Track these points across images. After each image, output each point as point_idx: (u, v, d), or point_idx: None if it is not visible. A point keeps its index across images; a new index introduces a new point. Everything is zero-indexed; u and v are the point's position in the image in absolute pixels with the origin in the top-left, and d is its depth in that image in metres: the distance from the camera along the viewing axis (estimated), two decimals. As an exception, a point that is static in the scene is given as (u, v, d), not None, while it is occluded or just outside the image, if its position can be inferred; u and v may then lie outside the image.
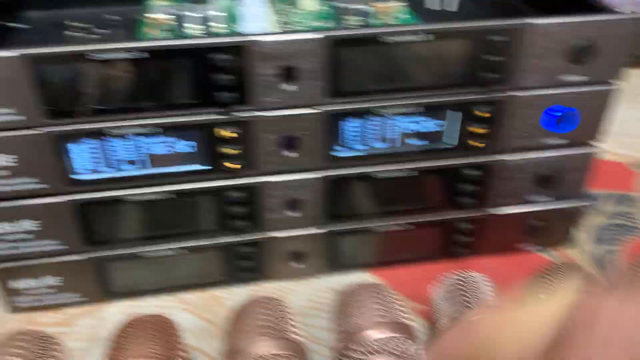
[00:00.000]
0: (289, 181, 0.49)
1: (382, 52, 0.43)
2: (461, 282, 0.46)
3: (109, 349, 0.42)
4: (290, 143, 0.47)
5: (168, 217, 0.49)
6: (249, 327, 0.42)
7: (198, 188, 0.48)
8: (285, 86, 0.44)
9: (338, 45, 0.42)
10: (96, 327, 0.50)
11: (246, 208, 0.50)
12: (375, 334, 0.41)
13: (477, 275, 0.47)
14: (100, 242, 0.49)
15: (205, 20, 0.50)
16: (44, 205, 0.46)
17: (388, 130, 0.48)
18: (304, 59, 0.43)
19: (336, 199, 0.51)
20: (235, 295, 0.54)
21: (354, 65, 0.44)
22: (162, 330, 0.42)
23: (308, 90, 0.44)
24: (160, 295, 0.54)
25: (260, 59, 0.42)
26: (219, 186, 0.48)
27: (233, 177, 0.48)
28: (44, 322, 0.51)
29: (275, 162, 0.48)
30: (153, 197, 0.47)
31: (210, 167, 0.47)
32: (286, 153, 0.47)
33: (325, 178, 0.49)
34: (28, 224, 0.46)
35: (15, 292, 0.50)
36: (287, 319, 0.43)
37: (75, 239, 0.48)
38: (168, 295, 0.54)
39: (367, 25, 0.50)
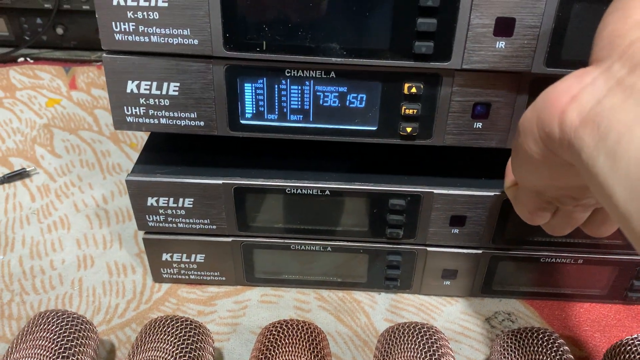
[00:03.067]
0: (460, 195, 0.44)
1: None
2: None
3: (255, 350, 0.40)
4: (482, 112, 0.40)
5: (322, 211, 0.46)
6: (402, 354, 0.39)
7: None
8: (498, 41, 0.36)
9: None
10: (236, 312, 0.49)
11: (406, 215, 0.45)
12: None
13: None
14: (250, 227, 0.47)
15: None
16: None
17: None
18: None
19: (506, 219, 0.45)
20: (376, 302, 0.51)
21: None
22: (312, 341, 0.40)
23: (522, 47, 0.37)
24: (299, 288, 0.52)
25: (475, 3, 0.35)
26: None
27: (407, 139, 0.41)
28: (186, 297, 0.50)
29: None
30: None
31: (382, 129, 0.41)
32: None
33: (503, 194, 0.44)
34: (188, 202, 0.45)
35: (165, 264, 0.50)
36: (448, 356, 0.39)
37: (227, 221, 0.46)
38: (306, 288, 0.52)
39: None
